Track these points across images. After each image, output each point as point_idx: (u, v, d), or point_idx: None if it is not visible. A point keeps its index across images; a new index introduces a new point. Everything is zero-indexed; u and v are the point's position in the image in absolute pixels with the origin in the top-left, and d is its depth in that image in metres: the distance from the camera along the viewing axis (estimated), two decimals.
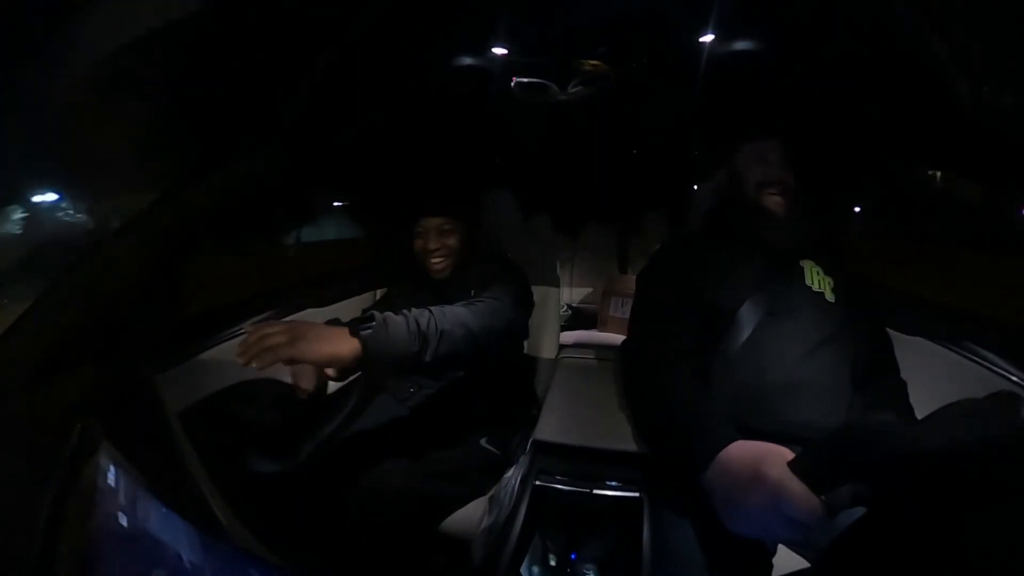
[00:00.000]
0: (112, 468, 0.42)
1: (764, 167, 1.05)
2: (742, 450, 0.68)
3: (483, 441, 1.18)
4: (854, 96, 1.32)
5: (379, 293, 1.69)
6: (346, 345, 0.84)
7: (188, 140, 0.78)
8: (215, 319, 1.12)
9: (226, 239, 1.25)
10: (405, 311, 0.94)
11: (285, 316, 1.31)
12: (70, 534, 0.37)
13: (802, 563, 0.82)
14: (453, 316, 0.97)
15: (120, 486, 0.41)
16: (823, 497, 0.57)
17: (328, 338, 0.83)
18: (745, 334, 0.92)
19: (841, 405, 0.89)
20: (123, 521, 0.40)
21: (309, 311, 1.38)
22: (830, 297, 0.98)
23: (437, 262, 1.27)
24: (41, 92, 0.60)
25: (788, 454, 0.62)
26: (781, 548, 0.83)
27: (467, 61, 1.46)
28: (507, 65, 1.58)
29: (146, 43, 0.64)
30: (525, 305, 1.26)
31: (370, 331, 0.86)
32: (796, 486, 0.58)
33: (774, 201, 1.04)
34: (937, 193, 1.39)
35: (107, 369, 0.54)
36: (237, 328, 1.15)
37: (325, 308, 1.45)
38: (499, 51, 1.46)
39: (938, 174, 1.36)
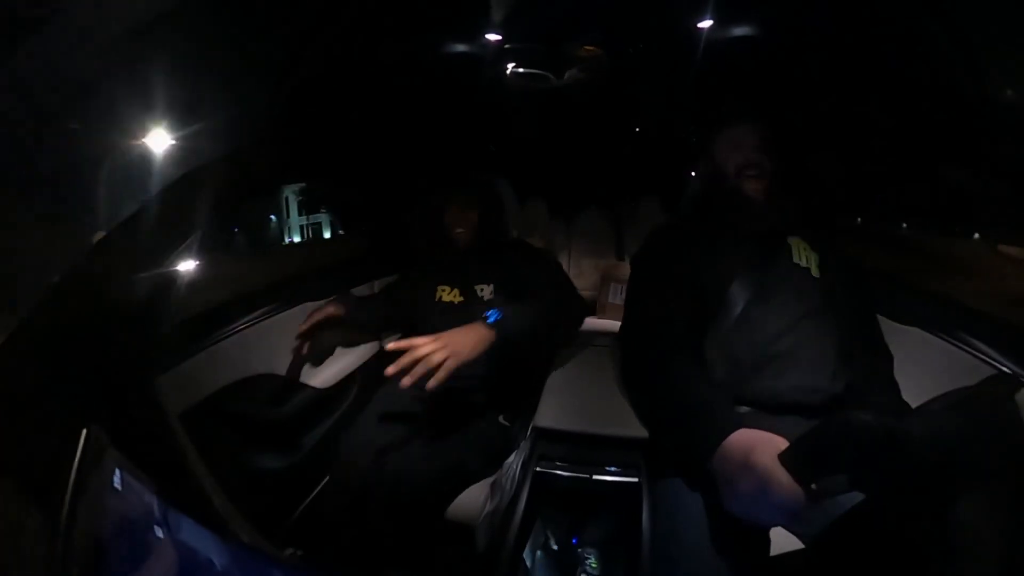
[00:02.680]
0: (118, 473, 0.43)
1: (741, 152, 1.07)
2: (739, 439, 0.70)
3: (501, 418, 1.22)
4: (848, 85, 1.31)
5: (376, 284, 1.68)
6: (487, 339, 0.97)
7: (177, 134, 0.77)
8: (213, 317, 1.12)
9: (219, 235, 1.24)
10: (519, 305, 1.08)
11: (283, 311, 1.30)
12: (81, 540, 0.38)
13: (799, 544, 0.84)
14: (553, 310, 1.13)
15: (132, 492, 0.41)
16: (814, 486, 0.59)
17: (474, 336, 0.96)
18: (735, 312, 0.96)
19: (825, 374, 0.92)
20: (159, 533, 0.40)
21: (306, 305, 1.38)
22: (815, 272, 1.01)
23: (460, 232, 1.37)
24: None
25: (781, 444, 0.64)
26: (779, 529, 0.85)
27: (461, 48, 1.43)
28: (501, 51, 1.55)
29: (127, 36, 0.62)
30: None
31: (499, 317, 1.00)
32: (781, 476, 0.60)
33: (752, 184, 1.06)
34: (933, 183, 1.39)
35: (108, 373, 0.55)
36: (236, 324, 1.15)
37: (322, 302, 1.45)
38: (493, 37, 1.44)
39: (932, 163, 1.35)
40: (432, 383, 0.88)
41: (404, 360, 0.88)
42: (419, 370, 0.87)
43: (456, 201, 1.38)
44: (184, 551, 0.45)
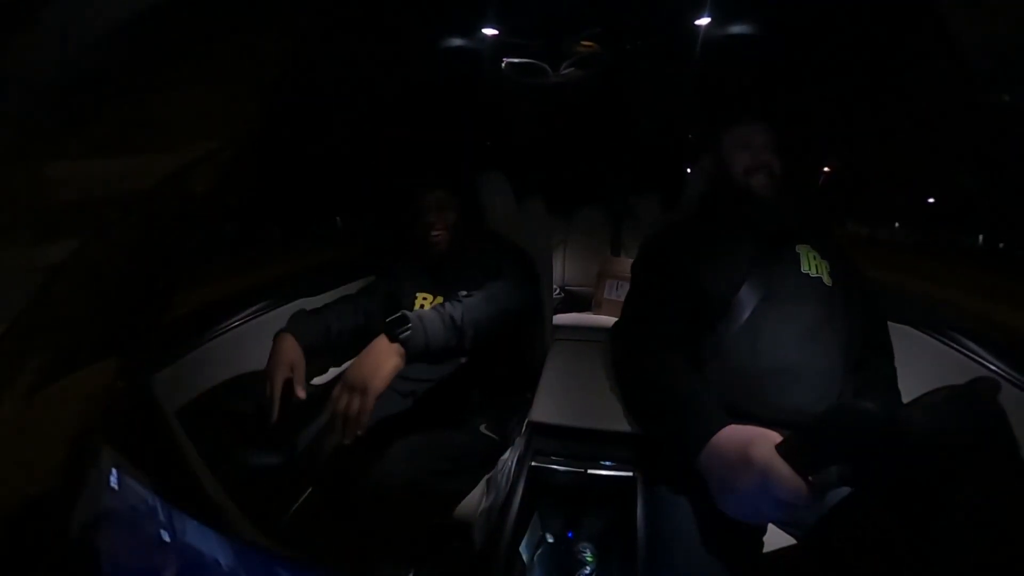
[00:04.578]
0: (115, 472, 0.43)
1: (749, 151, 1.06)
2: (732, 434, 0.69)
3: (483, 428, 1.20)
4: (850, 81, 1.31)
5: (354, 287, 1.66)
6: (395, 357, 0.90)
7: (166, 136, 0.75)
8: (207, 315, 1.11)
9: (214, 234, 1.23)
10: (438, 307, 0.98)
11: (278, 308, 1.30)
12: (79, 540, 0.38)
13: (791, 540, 0.86)
14: (479, 306, 1.03)
15: (130, 491, 0.41)
16: (811, 478, 0.58)
17: (380, 362, 0.88)
18: (741, 320, 0.93)
19: (835, 390, 0.90)
20: (159, 532, 0.40)
21: (302, 300, 1.37)
22: (827, 281, 0.98)
23: (436, 235, 1.30)
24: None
25: (776, 437, 0.63)
26: (771, 526, 0.86)
27: (458, 42, 1.42)
28: (499, 46, 1.54)
29: (108, 39, 0.60)
30: (532, 282, 1.32)
31: (408, 333, 0.91)
32: (783, 468, 0.59)
33: (761, 185, 1.04)
34: (933, 186, 1.40)
35: (104, 372, 0.54)
36: (231, 321, 1.15)
37: (318, 297, 1.44)
38: (490, 32, 1.43)
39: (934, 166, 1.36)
40: (359, 430, 0.85)
41: (335, 423, 0.86)
42: (349, 428, 0.85)
43: (433, 201, 1.30)
44: (185, 549, 0.44)
